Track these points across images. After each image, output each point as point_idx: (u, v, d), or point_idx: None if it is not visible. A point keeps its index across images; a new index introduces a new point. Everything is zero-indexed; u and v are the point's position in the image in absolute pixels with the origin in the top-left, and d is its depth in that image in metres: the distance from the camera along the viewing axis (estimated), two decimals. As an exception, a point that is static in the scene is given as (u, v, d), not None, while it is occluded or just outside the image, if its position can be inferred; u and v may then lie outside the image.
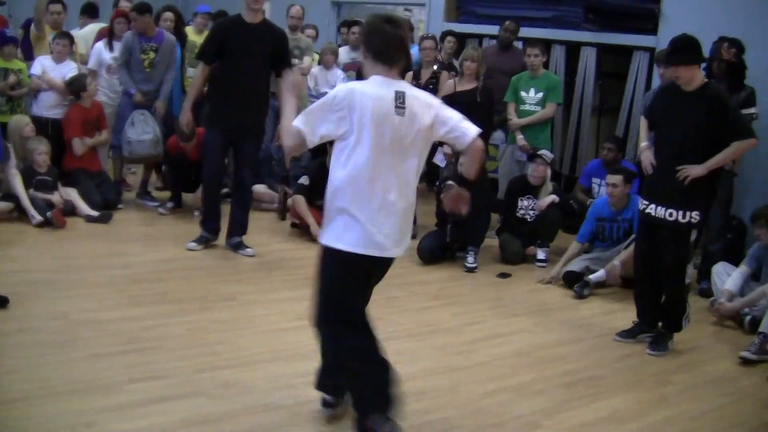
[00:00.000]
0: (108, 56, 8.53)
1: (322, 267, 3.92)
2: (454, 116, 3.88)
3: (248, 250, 6.99)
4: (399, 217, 3.80)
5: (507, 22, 9.02)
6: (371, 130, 3.64)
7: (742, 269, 6.37)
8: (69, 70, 8.27)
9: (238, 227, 7.08)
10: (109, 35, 8.64)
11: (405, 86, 3.81)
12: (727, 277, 6.45)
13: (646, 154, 5.54)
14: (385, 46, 3.75)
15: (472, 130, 3.87)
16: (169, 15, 8.86)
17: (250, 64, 6.67)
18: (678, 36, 5.29)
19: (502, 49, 9.03)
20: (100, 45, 8.63)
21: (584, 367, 5.20)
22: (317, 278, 3.93)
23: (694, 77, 5.22)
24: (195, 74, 6.93)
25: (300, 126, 3.68)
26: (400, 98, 3.70)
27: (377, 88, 3.71)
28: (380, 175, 3.71)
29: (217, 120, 6.83)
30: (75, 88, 8.00)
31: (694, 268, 6.87)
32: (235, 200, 7.14)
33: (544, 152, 7.67)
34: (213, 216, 7.08)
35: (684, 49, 5.21)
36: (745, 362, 5.46)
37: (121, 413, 3.97)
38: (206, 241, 7.04)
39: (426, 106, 3.81)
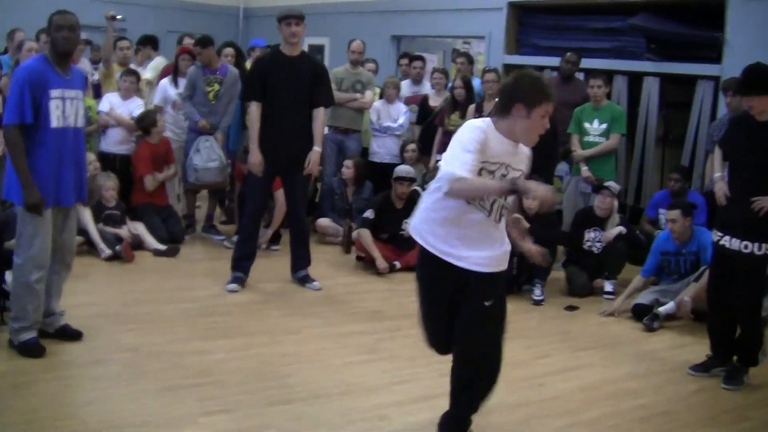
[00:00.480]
0: (173, 92, 8.69)
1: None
2: None
3: (315, 283, 7.01)
4: None
5: (568, 54, 8.98)
6: None
7: None
8: (136, 106, 8.44)
9: (302, 260, 7.10)
10: (174, 72, 8.80)
11: None
12: None
13: (719, 185, 5.47)
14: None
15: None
16: (229, 51, 8.97)
17: (291, 96, 6.69)
18: (751, 65, 5.21)
19: (564, 80, 8.99)
20: (166, 81, 8.79)
21: (657, 401, 5.10)
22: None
23: (767, 107, 5.14)
24: (250, 113, 6.84)
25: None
26: None
27: None
28: None
29: (264, 154, 6.77)
30: (145, 124, 8.14)
31: (768, 301, 6.75)
32: (294, 234, 7.15)
33: (611, 184, 7.60)
34: (248, 255, 6.96)
35: (758, 78, 5.13)
36: (825, 398, 5.32)
37: (196, 446, 4.00)
38: (242, 281, 6.90)
39: None
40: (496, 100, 7.86)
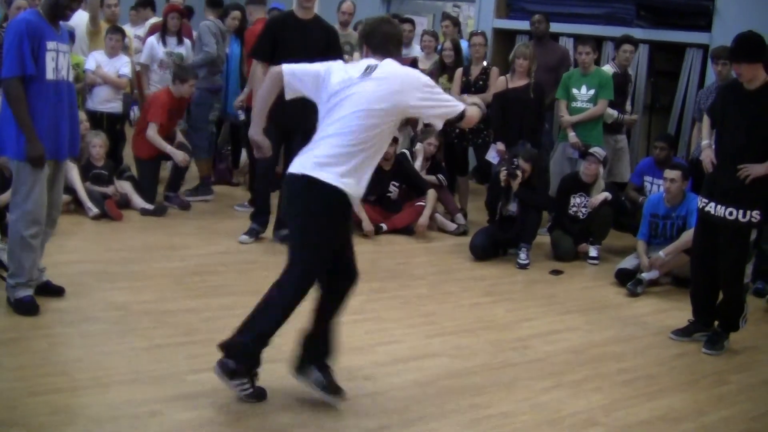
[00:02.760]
0: (161, 51, 8.63)
1: None
2: None
3: None
4: None
5: (536, 16, 9.00)
6: None
7: None
8: (122, 64, 8.35)
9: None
10: (162, 30, 8.74)
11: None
12: None
13: (707, 152, 5.51)
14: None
15: None
16: (236, 14, 8.97)
17: (301, 60, 6.66)
18: (743, 33, 5.22)
19: (537, 42, 8.94)
20: (153, 39, 8.71)
21: (640, 365, 5.18)
22: None
23: (756, 75, 5.16)
24: (254, 73, 6.86)
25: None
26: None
27: None
28: None
29: (270, 115, 6.81)
30: (185, 74, 8.06)
31: (750, 268, 6.82)
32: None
33: (597, 150, 7.64)
34: (264, 209, 7.17)
35: (748, 46, 5.15)
36: (804, 363, 5.42)
37: (185, 402, 4.05)
38: (257, 233, 7.13)
39: None
40: (484, 63, 7.89)
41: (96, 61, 8.26)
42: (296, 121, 6.76)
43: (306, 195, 4.03)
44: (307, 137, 6.90)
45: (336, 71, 4.18)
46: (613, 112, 8.15)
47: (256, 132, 4.82)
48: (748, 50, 5.15)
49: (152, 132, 7.89)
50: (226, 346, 4.09)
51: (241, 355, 4.07)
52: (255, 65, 6.92)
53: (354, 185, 4.00)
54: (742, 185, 5.18)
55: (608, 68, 8.38)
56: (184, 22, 9.13)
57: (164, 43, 8.63)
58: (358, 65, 4.14)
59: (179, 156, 7.88)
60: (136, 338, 4.79)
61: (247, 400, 4.10)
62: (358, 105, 3.98)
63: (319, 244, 4.06)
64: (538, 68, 8.41)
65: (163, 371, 4.39)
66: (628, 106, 8.45)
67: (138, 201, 7.72)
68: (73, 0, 4.96)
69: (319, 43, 6.71)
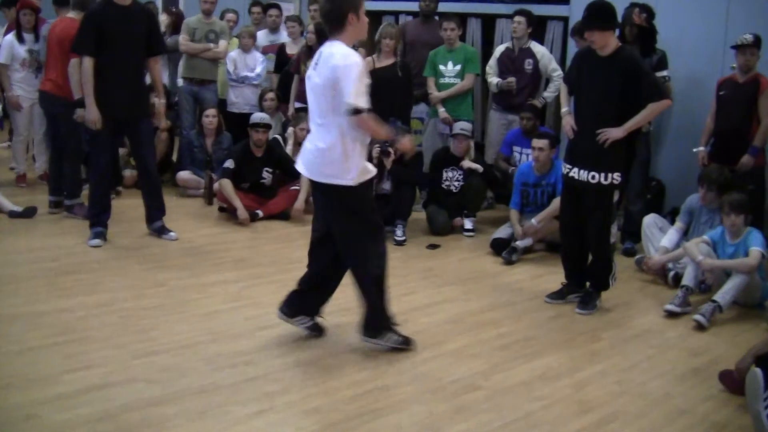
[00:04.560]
0: (21, 50, 8.32)
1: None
2: None
3: (171, 234, 6.97)
4: None
5: None
6: None
7: (677, 225, 6.52)
8: None
9: (156, 211, 7.02)
10: (17, 27, 8.41)
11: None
12: (657, 229, 6.64)
13: (566, 119, 5.67)
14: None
15: None
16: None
17: (129, 46, 6.56)
18: (593, 2, 5.39)
19: (423, 21, 9.03)
20: (10, 38, 8.35)
21: (517, 329, 5.31)
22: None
23: (608, 42, 5.34)
24: (84, 68, 6.49)
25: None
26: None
27: None
28: None
29: (105, 109, 6.54)
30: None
31: (617, 229, 7.07)
32: (145, 184, 7.03)
33: (462, 125, 7.77)
34: (106, 207, 6.87)
35: (599, 14, 5.32)
36: (670, 315, 5.66)
37: (61, 403, 3.95)
38: (104, 235, 6.79)
39: None
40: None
41: None
42: (131, 109, 6.68)
43: None
44: (147, 123, 6.82)
45: None
46: (495, 80, 8.28)
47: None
48: (600, 18, 5.33)
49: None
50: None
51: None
52: (83, 60, 6.51)
53: None
54: (602, 149, 5.36)
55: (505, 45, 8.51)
56: (41, 17, 8.84)
57: (21, 41, 8.33)
58: None
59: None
60: (7, 343, 4.64)
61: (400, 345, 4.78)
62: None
63: None
64: (423, 46, 8.50)
65: (37, 374, 4.26)
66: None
67: (5, 204, 7.46)
68: None
69: (141, 26, 6.63)
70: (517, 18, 8.23)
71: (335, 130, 4.44)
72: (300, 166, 4.72)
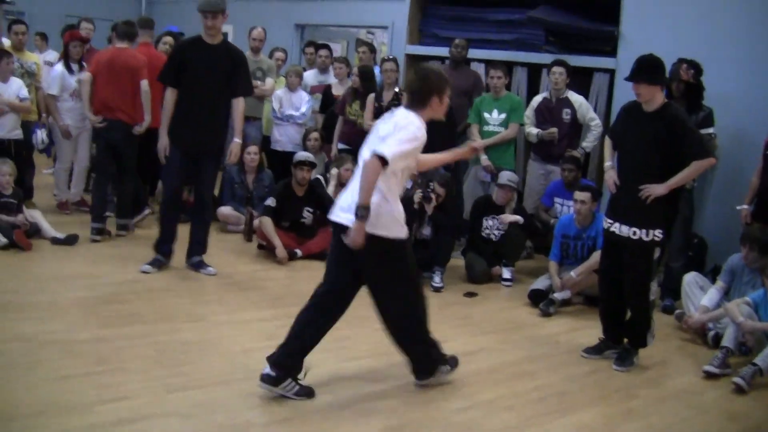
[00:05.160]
0: (72, 80, 8.48)
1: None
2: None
3: (210, 269, 7.01)
4: None
5: (457, 40, 9.11)
6: None
7: (719, 285, 6.42)
8: (18, 87, 8.21)
9: (198, 246, 7.09)
10: (65, 58, 8.58)
11: None
12: (698, 288, 6.55)
13: (609, 173, 5.64)
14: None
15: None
16: (168, 39, 9.08)
17: (206, 84, 6.69)
18: (644, 55, 5.40)
19: (454, 67, 9.09)
20: (60, 69, 8.50)
21: (552, 382, 5.26)
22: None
23: (654, 97, 5.33)
24: (165, 97, 6.86)
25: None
26: None
27: None
28: None
29: (176, 140, 6.80)
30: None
31: (657, 286, 6.98)
32: (195, 219, 7.12)
33: (509, 176, 7.76)
34: (169, 236, 7.02)
35: (648, 68, 5.32)
36: (709, 376, 5.56)
37: (92, 434, 3.97)
38: (160, 264, 6.97)
39: None
40: (396, 89, 7.98)
41: None
42: (202, 145, 6.75)
43: None
44: (214, 161, 6.94)
45: None
46: (535, 131, 8.29)
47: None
48: (648, 71, 5.31)
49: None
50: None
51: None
52: (166, 90, 6.83)
53: None
54: (644, 205, 5.32)
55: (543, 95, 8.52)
56: (91, 47, 9.05)
57: (71, 71, 8.48)
58: None
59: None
60: (42, 369, 4.67)
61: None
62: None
63: None
64: (454, 92, 8.51)
65: (70, 402, 4.28)
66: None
67: (48, 230, 7.56)
68: None
69: (225, 66, 6.72)
70: (556, 69, 8.25)
71: (382, 185, 4.44)
72: (337, 213, 4.61)
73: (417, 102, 4.59)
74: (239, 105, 6.87)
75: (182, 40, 7.19)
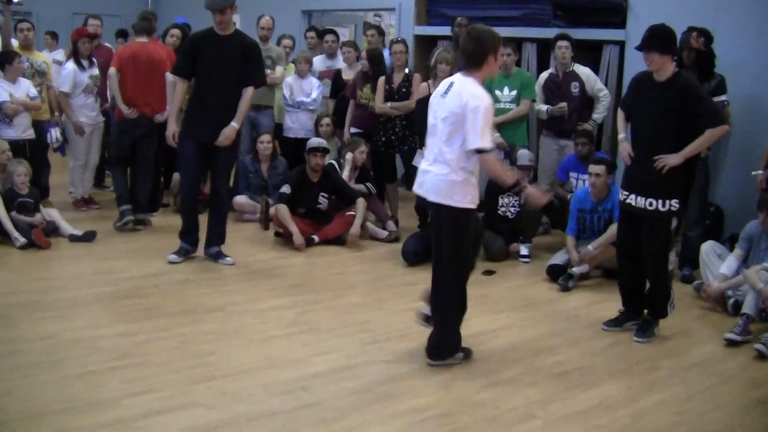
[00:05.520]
0: (84, 76, 8.53)
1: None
2: None
3: (228, 259, 7.05)
4: None
5: (459, 18, 9.10)
6: None
7: (737, 252, 6.40)
8: (27, 87, 8.25)
9: (216, 237, 7.12)
10: (75, 55, 8.63)
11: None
12: (716, 256, 6.54)
13: (623, 145, 5.62)
14: None
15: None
16: (176, 32, 9.07)
17: (221, 75, 6.72)
18: (655, 24, 5.39)
19: (457, 45, 9.05)
20: (72, 67, 8.55)
21: (574, 357, 5.27)
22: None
23: (665, 67, 5.31)
24: (175, 89, 6.94)
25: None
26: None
27: None
28: None
29: (191, 131, 6.84)
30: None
31: (675, 256, 6.98)
32: (212, 210, 7.15)
33: (529, 156, 7.75)
34: (192, 227, 7.09)
35: (659, 37, 5.31)
36: (731, 344, 5.56)
37: (121, 427, 4.00)
38: (186, 252, 7.07)
39: None
40: (406, 70, 7.94)
41: (6, 91, 8.07)
42: (216, 135, 6.77)
43: None
44: (229, 152, 6.96)
45: None
46: (545, 107, 8.27)
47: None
48: (659, 40, 5.30)
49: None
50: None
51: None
52: (176, 81, 6.94)
53: None
54: (659, 175, 5.30)
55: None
56: (102, 44, 9.09)
57: (82, 68, 8.53)
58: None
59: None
60: (68, 366, 4.72)
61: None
62: None
63: None
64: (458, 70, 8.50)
65: (97, 397, 4.32)
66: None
67: (66, 228, 7.61)
68: None
69: (236, 56, 6.74)
70: (561, 43, 8.24)
71: (453, 159, 4.72)
72: (418, 187, 5.03)
73: (473, 63, 4.77)
74: (247, 93, 6.86)
75: (195, 33, 7.20)
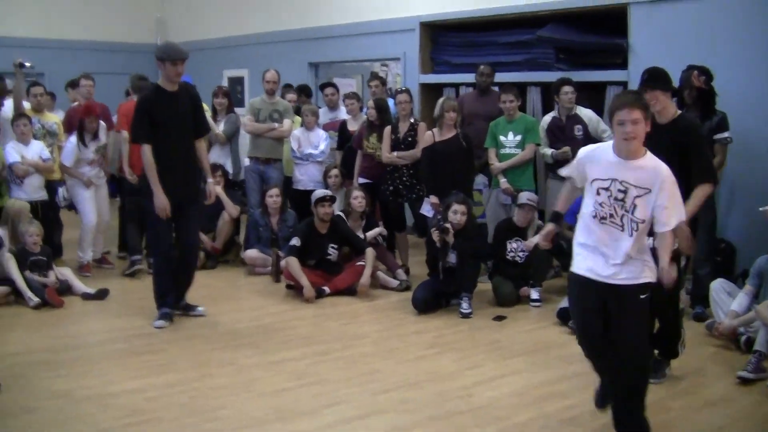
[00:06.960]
0: (88, 152, 8.62)
1: None
2: None
3: (199, 309, 7.09)
4: None
5: (482, 67, 9.17)
6: None
7: (747, 288, 6.35)
8: (40, 149, 8.39)
9: (186, 289, 7.12)
10: (80, 130, 8.63)
11: None
12: (725, 294, 6.50)
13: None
14: None
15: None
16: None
17: (180, 131, 6.73)
18: (652, 66, 5.47)
19: (481, 93, 9.18)
20: (75, 143, 8.57)
21: (584, 401, 5.20)
22: None
23: (667, 107, 5.35)
24: (145, 156, 6.63)
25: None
26: None
27: None
28: None
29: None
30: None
31: (686, 294, 6.95)
32: (184, 264, 7.04)
33: (528, 195, 7.78)
34: (169, 288, 6.94)
35: (660, 75, 5.40)
36: (744, 382, 5.51)
37: (130, 485, 4.02)
38: (171, 316, 6.91)
39: None
40: (411, 120, 7.99)
41: (18, 152, 8.19)
42: (185, 191, 6.77)
43: None
44: (197, 204, 6.93)
45: None
46: (549, 151, 8.31)
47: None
48: (662, 78, 5.39)
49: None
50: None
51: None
52: (143, 148, 6.63)
53: None
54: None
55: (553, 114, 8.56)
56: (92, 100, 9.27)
57: (85, 144, 8.61)
58: None
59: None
60: (79, 424, 4.74)
61: None
62: None
63: None
64: (480, 118, 8.60)
65: (108, 455, 4.35)
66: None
67: (79, 286, 7.68)
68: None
69: (188, 109, 6.79)
70: (567, 88, 8.30)
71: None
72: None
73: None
74: (203, 145, 6.97)
75: (144, 95, 6.95)
